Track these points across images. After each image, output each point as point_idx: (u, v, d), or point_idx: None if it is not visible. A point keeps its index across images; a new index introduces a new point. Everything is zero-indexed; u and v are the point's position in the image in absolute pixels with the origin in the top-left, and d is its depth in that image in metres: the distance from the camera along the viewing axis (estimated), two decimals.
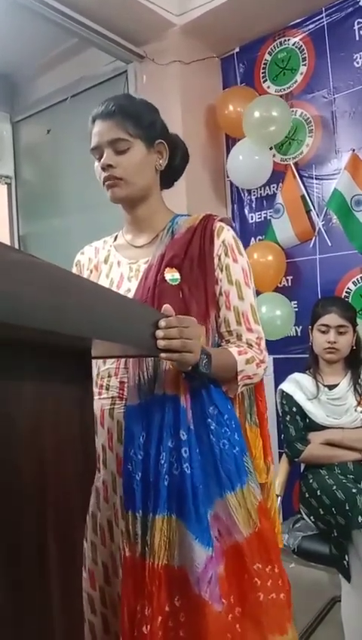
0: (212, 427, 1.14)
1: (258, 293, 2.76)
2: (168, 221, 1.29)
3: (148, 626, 1.04)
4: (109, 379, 1.21)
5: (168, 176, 1.34)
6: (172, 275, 1.19)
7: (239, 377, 1.19)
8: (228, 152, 2.92)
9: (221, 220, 1.27)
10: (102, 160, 1.21)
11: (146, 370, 1.15)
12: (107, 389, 1.21)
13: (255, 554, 1.13)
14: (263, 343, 1.27)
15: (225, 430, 1.16)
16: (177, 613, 1.06)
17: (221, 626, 1.05)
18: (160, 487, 1.08)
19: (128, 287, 1.24)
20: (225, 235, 1.25)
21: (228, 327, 1.23)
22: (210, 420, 1.14)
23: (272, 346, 2.84)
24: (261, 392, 1.33)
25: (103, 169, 1.21)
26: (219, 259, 1.23)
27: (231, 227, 1.28)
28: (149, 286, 1.19)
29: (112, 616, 1.18)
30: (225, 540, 1.12)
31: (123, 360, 1.19)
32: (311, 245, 2.71)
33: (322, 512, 1.87)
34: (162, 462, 1.09)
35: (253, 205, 2.95)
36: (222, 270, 1.23)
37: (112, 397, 1.20)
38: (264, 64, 2.89)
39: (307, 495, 1.98)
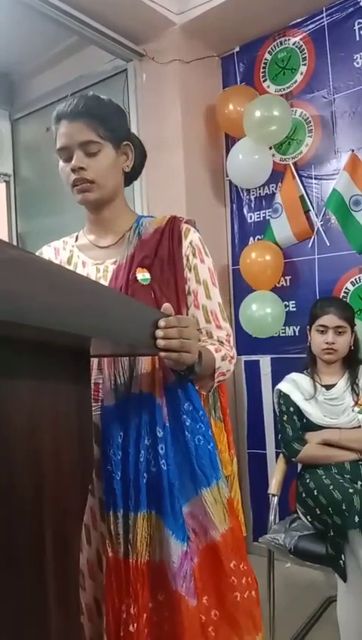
0: (187, 423, 1.14)
1: (253, 291, 2.76)
2: (133, 222, 1.30)
3: (135, 624, 1.04)
4: None
5: (129, 176, 1.34)
6: (143, 275, 1.20)
7: (216, 374, 1.21)
8: (227, 151, 2.92)
9: (187, 222, 1.29)
10: (72, 162, 1.20)
11: (122, 370, 1.15)
12: None
13: (230, 551, 1.14)
14: (232, 340, 1.29)
15: (200, 426, 1.16)
16: (161, 608, 1.07)
17: (197, 622, 1.06)
18: (140, 485, 1.09)
19: None
20: (192, 237, 1.27)
21: (197, 325, 1.25)
22: (185, 416, 1.14)
23: (270, 346, 2.85)
24: (223, 387, 1.35)
25: (73, 171, 1.20)
26: (188, 259, 1.25)
27: (196, 229, 1.31)
28: (121, 285, 1.19)
29: (87, 621, 1.17)
30: (201, 540, 1.12)
31: (95, 361, 1.18)
32: (310, 245, 2.71)
33: (319, 512, 1.87)
34: (141, 460, 1.10)
35: (252, 205, 2.95)
36: (190, 270, 1.25)
37: None
38: (264, 64, 2.88)
39: (304, 495, 1.98)
